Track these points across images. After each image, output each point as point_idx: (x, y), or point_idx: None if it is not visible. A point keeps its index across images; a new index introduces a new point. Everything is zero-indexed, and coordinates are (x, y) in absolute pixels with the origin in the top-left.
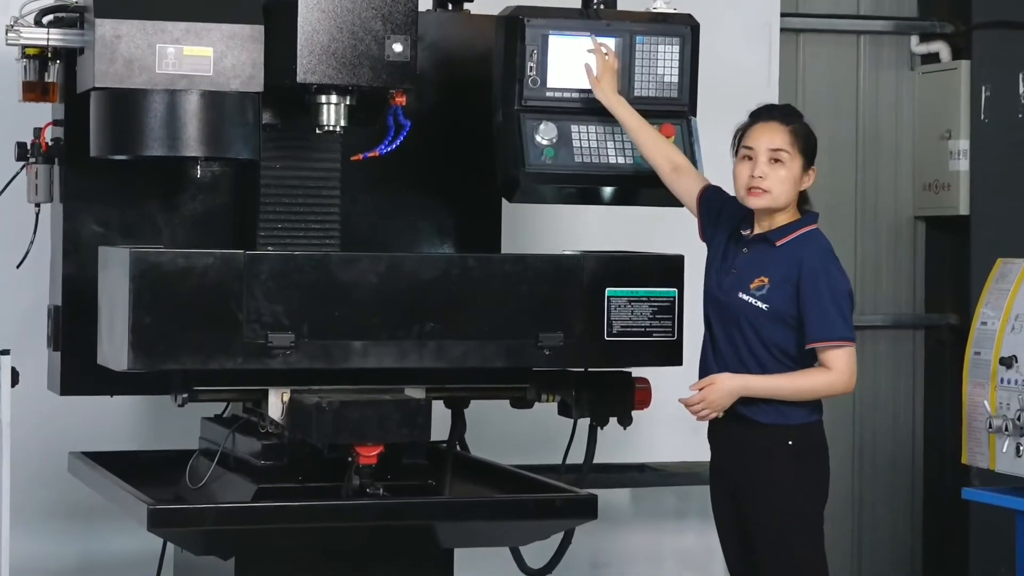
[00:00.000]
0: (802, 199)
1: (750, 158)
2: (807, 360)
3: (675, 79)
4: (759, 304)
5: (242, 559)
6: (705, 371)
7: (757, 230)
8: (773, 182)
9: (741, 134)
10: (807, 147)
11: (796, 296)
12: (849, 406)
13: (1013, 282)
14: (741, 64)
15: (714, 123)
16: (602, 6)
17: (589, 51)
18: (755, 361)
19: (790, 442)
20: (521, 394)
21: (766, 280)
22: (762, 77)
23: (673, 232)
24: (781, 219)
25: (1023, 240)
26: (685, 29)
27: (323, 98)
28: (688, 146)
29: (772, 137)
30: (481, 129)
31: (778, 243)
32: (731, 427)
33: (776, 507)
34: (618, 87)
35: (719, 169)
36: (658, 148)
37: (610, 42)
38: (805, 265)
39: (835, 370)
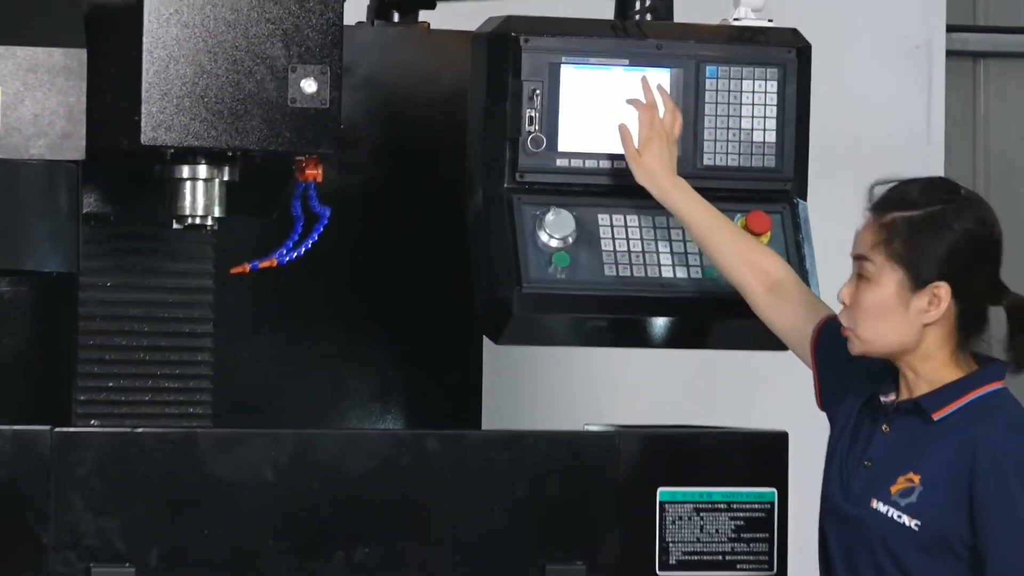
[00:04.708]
0: (973, 338)
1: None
2: None
3: (772, 137)
4: (906, 520)
5: None
6: None
7: (904, 393)
8: (856, 312)
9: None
10: (914, 251)
11: (969, 507)
12: None
13: None
14: (883, 107)
15: (839, 207)
16: (648, 16)
17: (629, 101)
18: None
19: None
20: None
21: (916, 479)
22: (917, 127)
23: (768, 388)
24: (938, 373)
25: None
26: (788, 54)
27: (185, 171)
28: (793, 247)
29: (861, 237)
30: (449, 220)
31: (936, 415)
32: None
33: None
34: (675, 160)
35: None
36: (742, 256)
37: (663, 76)
38: (982, 454)
39: None
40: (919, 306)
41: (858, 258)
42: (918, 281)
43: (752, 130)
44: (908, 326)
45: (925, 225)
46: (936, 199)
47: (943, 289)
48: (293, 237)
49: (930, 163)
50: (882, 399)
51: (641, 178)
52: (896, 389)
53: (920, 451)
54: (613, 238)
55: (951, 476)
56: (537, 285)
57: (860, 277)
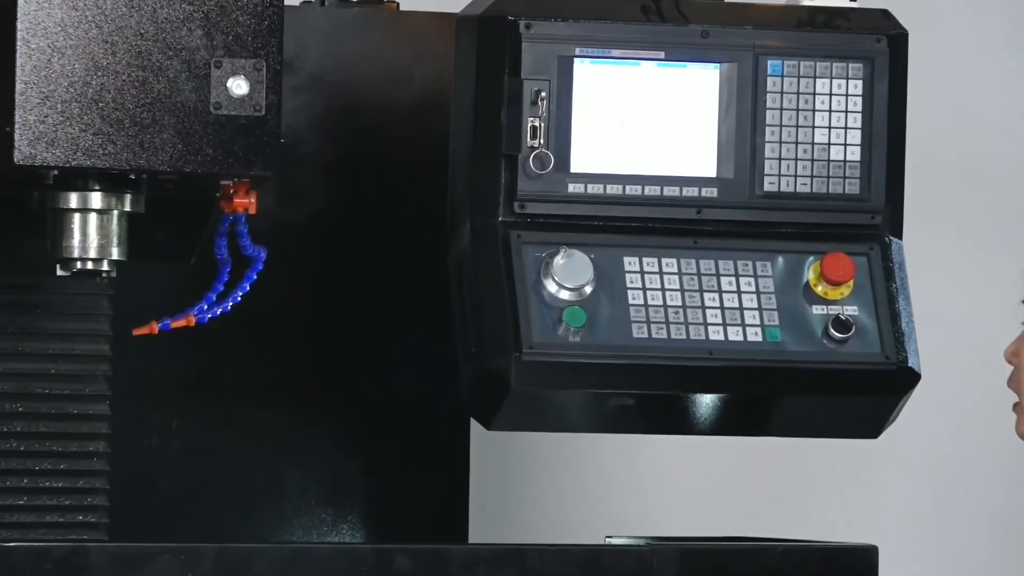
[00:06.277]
0: None
1: None
2: None
3: (855, 154)
4: None
5: None
6: None
7: None
8: (1019, 373)
9: None
10: None
11: None
12: None
13: None
14: (1006, 115)
15: (946, 246)
16: None
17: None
18: None
19: None
20: None
21: None
22: None
23: (850, 487)
24: None
25: None
26: (877, 43)
27: (73, 200)
28: (884, 300)
29: None
30: (425, 264)
31: None
32: None
33: None
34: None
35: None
36: None
37: (710, 73)
38: None
39: None
40: None
41: None
42: None
43: (829, 145)
44: None
45: None
46: None
47: None
48: (217, 287)
49: None
50: None
51: None
52: None
53: None
54: (644, 288)
55: None
56: (542, 351)
57: None
